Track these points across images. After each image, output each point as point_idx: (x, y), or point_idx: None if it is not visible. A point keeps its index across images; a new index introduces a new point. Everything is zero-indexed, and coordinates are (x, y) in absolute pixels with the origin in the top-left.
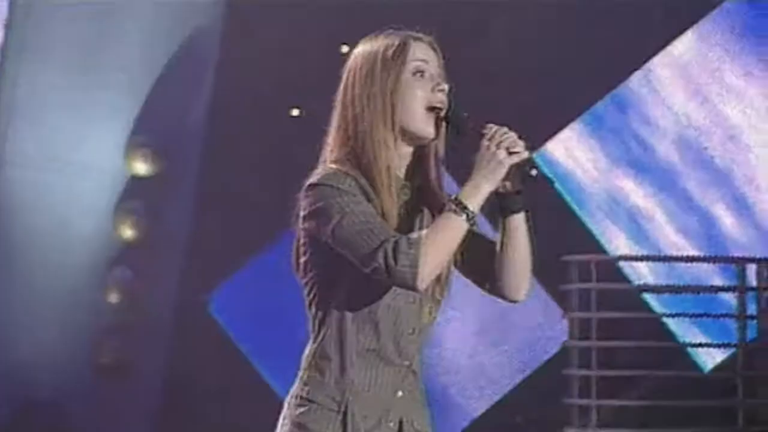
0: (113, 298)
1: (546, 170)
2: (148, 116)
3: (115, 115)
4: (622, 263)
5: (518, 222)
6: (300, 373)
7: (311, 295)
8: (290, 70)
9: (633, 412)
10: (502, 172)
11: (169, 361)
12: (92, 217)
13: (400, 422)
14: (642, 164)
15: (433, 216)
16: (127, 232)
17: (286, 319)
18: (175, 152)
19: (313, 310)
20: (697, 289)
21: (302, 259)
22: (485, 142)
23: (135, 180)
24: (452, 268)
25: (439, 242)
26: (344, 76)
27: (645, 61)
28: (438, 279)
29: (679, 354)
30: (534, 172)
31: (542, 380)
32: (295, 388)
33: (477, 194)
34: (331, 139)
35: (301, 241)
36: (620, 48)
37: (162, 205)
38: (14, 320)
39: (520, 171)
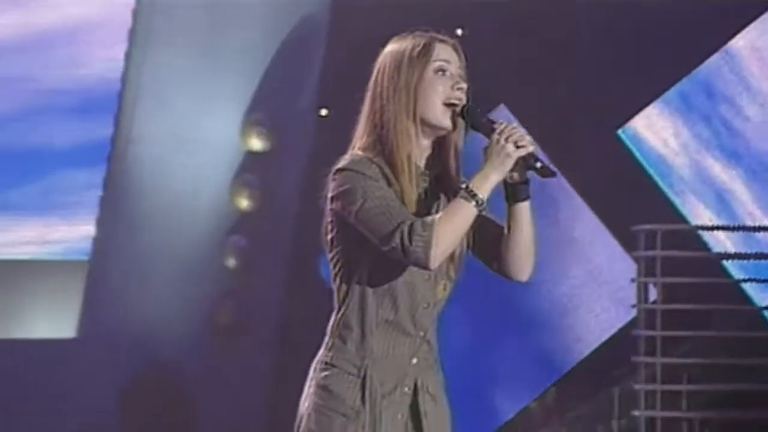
0: (230, 263)
1: (631, 145)
2: (263, 97)
3: (232, 95)
4: (702, 233)
5: (523, 209)
6: (326, 340)
7: (336, 269)
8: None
9: (697, 370)
10: (510, 163)
11: (282, 321)
12: (211, 190)
13: (415, 386)
14: (722, 140)
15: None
16: (243, 203)
17: None
18: (287, 129)
19: (338, 283)
20: (759, 257)
21: (329, 236)
22: (495, 137)
23: (250, 155)
24: (465, 249)
25: (451, 226)
26: (375, 71)
27: (725, 42)
28: (452, 258)
29: (749, 315)
30: (538, 164)
31: (626, 340)
32: (321, 353)
33: (486, 183)
34: (360, 127)
35: (329, 219)
36: (700, 28)
37: (275, 178)
38: (141, 286)
39: (526, 163)
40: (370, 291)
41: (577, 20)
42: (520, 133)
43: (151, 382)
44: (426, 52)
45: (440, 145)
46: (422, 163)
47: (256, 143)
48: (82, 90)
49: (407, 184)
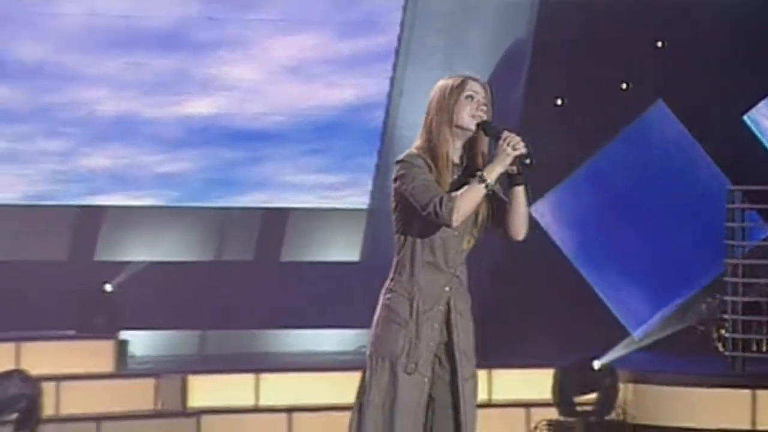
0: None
1: (754, 128)
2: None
3: None
4: None
5: (519, 191)
6: (389, 275)
7: (397, 228)
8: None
9: None
10: (509, 160)
11: (498, 256)
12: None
13: (448, 306)
14: None
15: None
16: None
17: (604, 223)
18: (503, 115)
19: (398, 236)
20: None
21: (392, 205)
22: (501, 142)
23: None
24: (486, 218)
25: (467, 199)
26: (430, 98)
27: None
28: (476, 224)
29: None
30: (527, 161)
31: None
32: (386, 284)
33: (492, 172)
34: (419, 132)
35: (392, 194)
36: None
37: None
38: None
39: (520, 160)
40: (417, 242)
41: (713, 27)
42: (518, 139)
43: None
44: (461, 85)
45: (469, 148)
46: (456, 159)
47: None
48: (363, 89)
49: (444, 171)
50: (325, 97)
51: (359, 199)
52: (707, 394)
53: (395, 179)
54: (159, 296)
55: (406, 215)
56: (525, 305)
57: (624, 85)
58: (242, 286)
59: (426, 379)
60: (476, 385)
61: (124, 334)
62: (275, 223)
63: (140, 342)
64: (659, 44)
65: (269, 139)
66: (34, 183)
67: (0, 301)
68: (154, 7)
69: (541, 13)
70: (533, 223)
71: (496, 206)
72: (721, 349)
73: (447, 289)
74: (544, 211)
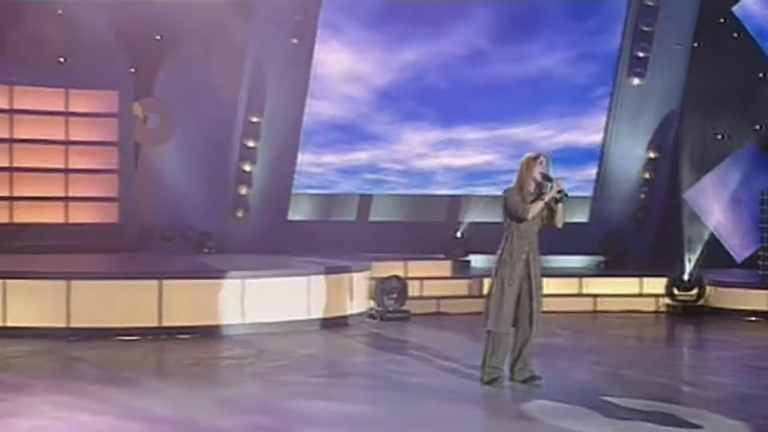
0: (642, 191)
1: None
2: (656, 132)
3: (642, 135)
4: None
5: (560, 207)
6: (502, 242)
7: (504, 220)
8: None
9: None
10: (554, 192)
11: (662, 221)
12: (637, 158)
13: (527, 255)
14: None
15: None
16: (650, 158)
17: (723, 202)
18: (665, 146)
19: (504, 224)
20: None
21: (502, 211)
22: (552, 183)
23: (649, 161)
24: (545, 216)
25: (534, 208)
26: (521, 162)
27: None
28: (541, 217)
29: None
30: (564, 192)
31: None
32: (500, 245)
33: (546, 197)
34: (515, 177)
35: (502, 205)
36: None
37: (661, 166)
38: (604, 196)
39: (561, 193)
40: (513, 226)
41: None
42: (560, 183)
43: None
44: (536, 157)
45: (539, 186)
46: (531, 191)
47: (652, 154)
48: (592, 134)
49: (526, 197)
50: (591, 136)
51: (586, 191)
52: (750, 293)
53: (503, 199)
54: (489, 237)
55: (507, 215)
56: (675, 248)
57: (757, 126)
58: None
59: (518, 288)
60: (541, 290)
61: (472, 257)
62: None
63: (479, 260)
64: None
65: (565, 157)
66: (457, 180)
67: (404, 241)
68: None
69: (688, 90)
70: (680, 203)
71: (550, 212)
72: (761, 263)
73: (527, 248)
74: (692, 196)
